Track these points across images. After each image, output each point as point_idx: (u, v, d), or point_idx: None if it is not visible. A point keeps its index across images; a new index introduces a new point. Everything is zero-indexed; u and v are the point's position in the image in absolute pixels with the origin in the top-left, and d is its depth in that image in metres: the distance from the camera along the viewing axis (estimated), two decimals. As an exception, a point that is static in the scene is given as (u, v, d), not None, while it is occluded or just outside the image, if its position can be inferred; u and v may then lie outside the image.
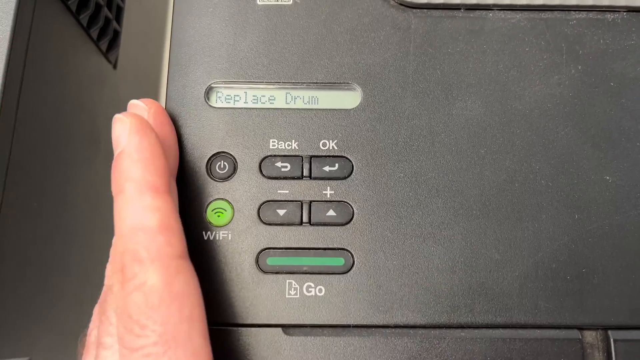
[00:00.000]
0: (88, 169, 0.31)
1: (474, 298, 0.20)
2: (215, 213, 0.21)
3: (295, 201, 0.21)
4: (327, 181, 0.21)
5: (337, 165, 0.21)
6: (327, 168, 0.21)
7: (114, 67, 0.34)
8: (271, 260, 0.21)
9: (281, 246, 0.21)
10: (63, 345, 0.28)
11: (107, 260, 0.19)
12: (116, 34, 0.33)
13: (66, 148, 0.28)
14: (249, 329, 0.20)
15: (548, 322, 0.20)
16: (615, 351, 0.20)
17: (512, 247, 0.21)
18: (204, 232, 0.21)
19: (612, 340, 0.20)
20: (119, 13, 0.33)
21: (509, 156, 0.22)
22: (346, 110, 0.22)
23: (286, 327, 0.20)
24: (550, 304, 0.20)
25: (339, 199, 0.21)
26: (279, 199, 0.21)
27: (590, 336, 0.20)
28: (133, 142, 0.19)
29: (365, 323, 0.20)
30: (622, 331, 0.20)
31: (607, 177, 0.21)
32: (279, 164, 0.21)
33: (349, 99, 0.22)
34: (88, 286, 0.29)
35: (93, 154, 0.32)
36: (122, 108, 0.21)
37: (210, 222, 0.21)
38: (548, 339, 0.20)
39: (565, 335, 0.20)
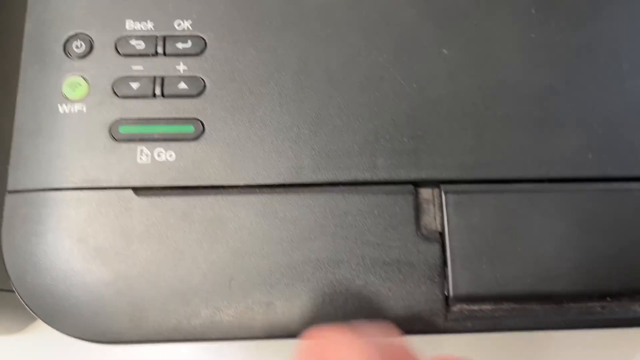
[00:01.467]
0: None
1: (318, 159, 0.22)
2: (70, 88, 0.22)
3: (149, 76, 0.22)
4: (180, 57, 0.22)
5: (190, 42, 0.23)
6: (180, 45, 0.23)
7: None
8: (123, 129, 0.22)
9: (134, 117, 0.22)
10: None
11: None
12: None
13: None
14: (101, 191, 0.21)
15: (385, 178, 0.22)
16: (446, 202, 0.21)
17: (354, 114, 0.22)
18: (59, 105, 0.22)
19: (443, 192, 0.22)
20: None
21: (354, 33, 0.23)
22: (199, -8, 0.23)
23: (137, 189, 0.21)
24: (388, 162, 0.22)
25: (191, 74, 0.22)
26: (133, 74, 0.22)
27: (425, 193, 0.22)
28: None
29: (213, 184, 0.21)
30: (452, 185, 0.22)
31: (445, 51, 0.23)
32: (133, 42, 0.22)
33: (202, -18, 0.23)
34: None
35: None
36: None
37: (65, 97, 0.22)
38: (384, 194, 0.21)
39: (401, 190, 0.22)
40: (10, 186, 0.21)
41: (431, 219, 0.22)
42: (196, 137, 0.22)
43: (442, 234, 0.21)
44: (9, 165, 0.22)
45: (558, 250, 0.21)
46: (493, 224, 0.21)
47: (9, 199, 0.21)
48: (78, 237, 0.21)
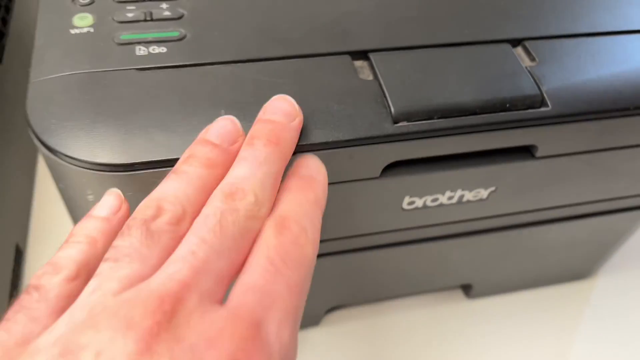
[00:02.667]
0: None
1: (271, 44, 0.29)
2: (79, 19, 0.29)
3: (141, 10, 0.30)
4: (162, 1, 0.30)
5: (169, -8, 0.31)
6: (162, -6, 0.31)
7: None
8: (124, 37, 0.28)
9: (131, 32, 0.29)
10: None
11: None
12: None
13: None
14: (108, 72, 0.27)
15: (322, 51, 0.29)
16: (376, 65, 0.28)
17: (305, 18, 0.30)
18: (70, 29, 0.28)
19: (372, 58, 0.29)
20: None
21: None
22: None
23: (139, 70, 0.27)
24: (327, 43, 0.29)
25: (172, 8, 0.30)
26: (128, 8, 0.30)
27: (358, 63, 0.29)
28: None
29: (192, 63, 0.28)
30: (379, 52, 0.29)
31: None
32: (126, -6, 0.30)
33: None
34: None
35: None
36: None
37: (75, 26, 0.29)
38: (326, 63, 0.28)
39: (340, 59, 0.29)
40: (33, 78, 0.26)
41: (366, 75, 0.29)
42: (181, 39, 0.29)
43: (376, 78, 0.28)
44: (30, 72, 0.27)
45: (461, 80, 0.28)
46: (412, 69, 0.29)
47: (32, 86, 0.26)
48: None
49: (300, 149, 0.26)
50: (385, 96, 0.27)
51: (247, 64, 0.28)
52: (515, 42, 0.31)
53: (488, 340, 0.46)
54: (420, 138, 0.27)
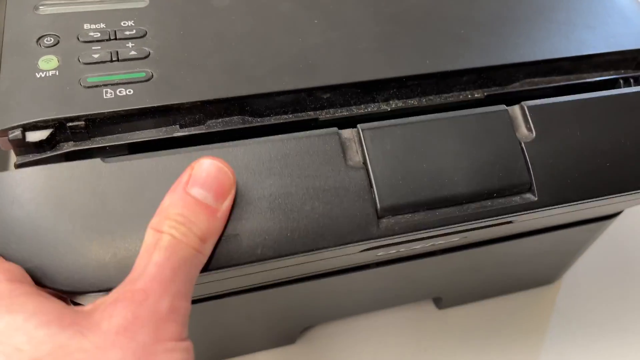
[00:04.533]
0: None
1: (239, 82, 0.29)
2: (44, 62, 0.29)
3: (106, 50, 0.30)
4: (128, 40, 0.30)
5: (135, 30, 0.31)
6: (127, 32, 0.31)
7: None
8: (91, 79, 0.28)
9: (98, 74, 0.29)
10: None
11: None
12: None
13: None
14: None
15: (290, 88, 0.29)
16: (363, 137, 0.28)
17: (271, 53, 0.31)
18: (35, 73, 0.28)
19: (360, 131, 0.28)
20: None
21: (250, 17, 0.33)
22: None
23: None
24: (294, 79, 0.30)
25: (138, 48, 0.30)
26: (94, 48, 0.30)
27: (346, 133, 0.28)
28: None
29: (157, 104, 0.28)
30: (368, 124, 0.28)
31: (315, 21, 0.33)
32: (92, 33, 0.30)
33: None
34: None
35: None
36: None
37: (41, 68, 0.28)
38: (314, 137, 0.28)
39: (326, 132, 0.28)
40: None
41: (354, 153, 0.28)
42: (147, 80, 0.29)
43: (365, 163, 0.28)
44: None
45: (452, 163, 0.28)
46: (402, 149, 0.28)
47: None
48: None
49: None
50: (372, 189, 0.27)
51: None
52: (509, 100, 0.31)
53: (460, 350, 0.48)
54: (403, 233, 0.28)
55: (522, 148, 0.29)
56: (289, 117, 0.31)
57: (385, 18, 0.34)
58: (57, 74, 0.28)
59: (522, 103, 0.30)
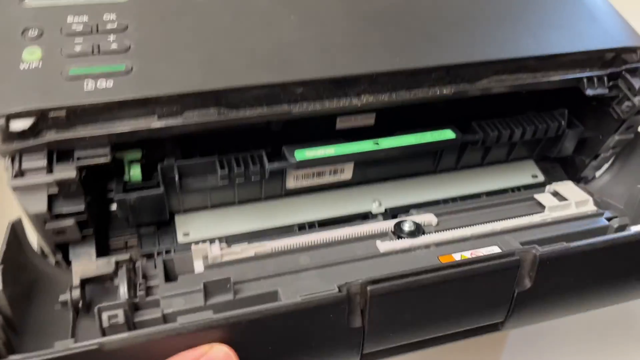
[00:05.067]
0: None
1: (216, 75, 0.31)
2: (28, 53, 0.30)
3: (89, 43, 0.31)
4: (110, 34, 0.32)
5: (116, 24, 0.32)
6: (109, 26, 0.32)
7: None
8: (73, 71, 0.29)
9: (79, 66, 0.30)
10: None
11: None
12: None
13: None
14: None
15: (264, 81, 0.31)
16: (369, 304, 0.27)
17: (247, 47, 0.32)
18: (19, 64, 0.29)
19: (368, 289, 0.27)
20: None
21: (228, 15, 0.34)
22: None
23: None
24: (268, 72, 0.31)
25: (119, 41, 0.31)
26: (76, 42, 0.31)
27: (354, 287, 0.27)
28: None
29: (136, 96, 0.29)
30: (376, 284, 0.27)
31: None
32: (74, 26, 0.32)
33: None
34: None
35: None
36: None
37: (24, 60, 0.30)
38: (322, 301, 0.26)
39: (333, 293, 0.26)
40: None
41: (357, 317, 0.27)
42: (127, 73, 0.30)
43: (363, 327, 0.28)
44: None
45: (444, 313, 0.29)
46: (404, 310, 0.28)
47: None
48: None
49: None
50: (362, 342, 0.28)
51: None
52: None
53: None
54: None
55: (512, 296, 0.30)
56: (264, 110, 0.32)
57: (359, 16, 0.35)
58: (40, 65, 0.30)
59: (537, 252, 0.29)
